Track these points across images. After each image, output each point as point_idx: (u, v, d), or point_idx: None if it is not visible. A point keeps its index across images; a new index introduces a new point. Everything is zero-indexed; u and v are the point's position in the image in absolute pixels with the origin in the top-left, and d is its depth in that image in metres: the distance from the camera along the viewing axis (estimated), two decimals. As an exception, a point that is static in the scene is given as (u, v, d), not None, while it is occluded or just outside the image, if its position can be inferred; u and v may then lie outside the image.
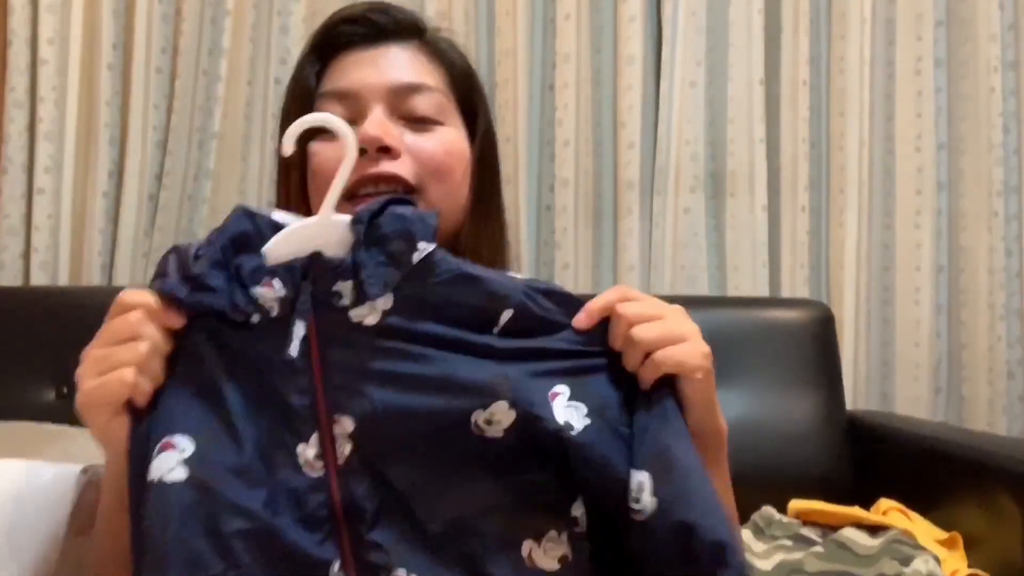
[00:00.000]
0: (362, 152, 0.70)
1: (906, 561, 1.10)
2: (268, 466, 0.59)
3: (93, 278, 1.70)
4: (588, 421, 0.60)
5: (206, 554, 0.56)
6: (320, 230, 0.62)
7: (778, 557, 1.17)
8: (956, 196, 1.87)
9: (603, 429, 0.60)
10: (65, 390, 1.43)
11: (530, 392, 0.60)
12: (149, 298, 0.60)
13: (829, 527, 1.25)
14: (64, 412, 1.03)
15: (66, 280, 1.71)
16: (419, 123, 0.76)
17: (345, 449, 0.60)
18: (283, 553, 0.58)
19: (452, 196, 0.77)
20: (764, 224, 1.80)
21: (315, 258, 0.61)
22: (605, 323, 0.63)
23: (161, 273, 0.61)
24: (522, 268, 1.70)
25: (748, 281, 1.80)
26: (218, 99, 1.75)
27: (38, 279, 1.69)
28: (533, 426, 0.59)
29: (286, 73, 1.77)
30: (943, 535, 1.22)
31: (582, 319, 0.63)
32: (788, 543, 1.21)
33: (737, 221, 1.82)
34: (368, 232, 0.61)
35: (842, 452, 1.50)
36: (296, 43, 1.78)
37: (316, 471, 0.60)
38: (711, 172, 1.84)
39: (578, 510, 0.62)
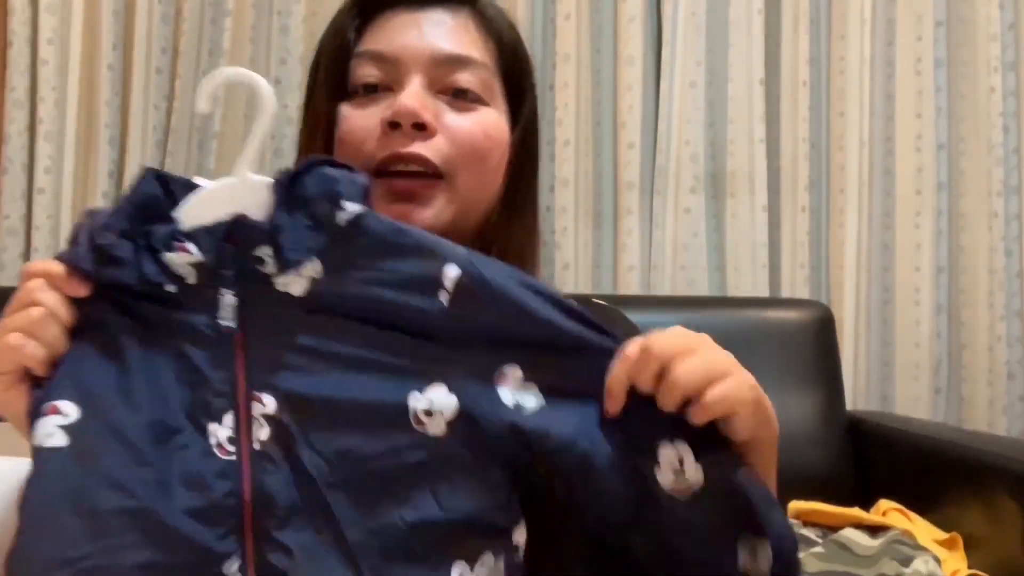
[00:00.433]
0: (395, 125, 0.66)
1: (906, 561, 1.10)
2: (169, 445, 0.54)
3: (93, 278, 1.70)
4: (542, 402, 0.54)
5: (74, 531, 0.51)
6: (238, 191, 0.56)
7: (778, 557, 1.17)
8: (956, 196, 1.87)
9: (560, 408, 0.54)
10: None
11: (475, 372, 0.54)
12: (53, 266, 0.56)
13: (829, 527, 1.25)
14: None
15: (66, 280, 1.70)
16: (460, 100, 0.70)
17: (262, 433, 0.54)
18: (169, 540, 0.52)
19: (484, 185, 0.71)
20: (764, 224, 1.80)
21: (239, 221, 0.56)
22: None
23: (73, 240, 0.56)
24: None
25: (748, 281, 1.80)
26: (218, 99, 1.74)
27: (38, 279, 1.69)
28: (476, 416, 0.54)
29: (286, 73, 1.77)
30: (943, 535, 1.22)
31: (611, 405, 0.54)
32: (788, 543, 1.21)
33: (737, 221, 1.82)
34: (292, 194, 0.56)
35: (842, 452, 1.50)
36: (296, 43, 1.78)
37: (227, 455, 0.54)
38: (711, 172, 1.84)
39: (520, 536, 0.56)
